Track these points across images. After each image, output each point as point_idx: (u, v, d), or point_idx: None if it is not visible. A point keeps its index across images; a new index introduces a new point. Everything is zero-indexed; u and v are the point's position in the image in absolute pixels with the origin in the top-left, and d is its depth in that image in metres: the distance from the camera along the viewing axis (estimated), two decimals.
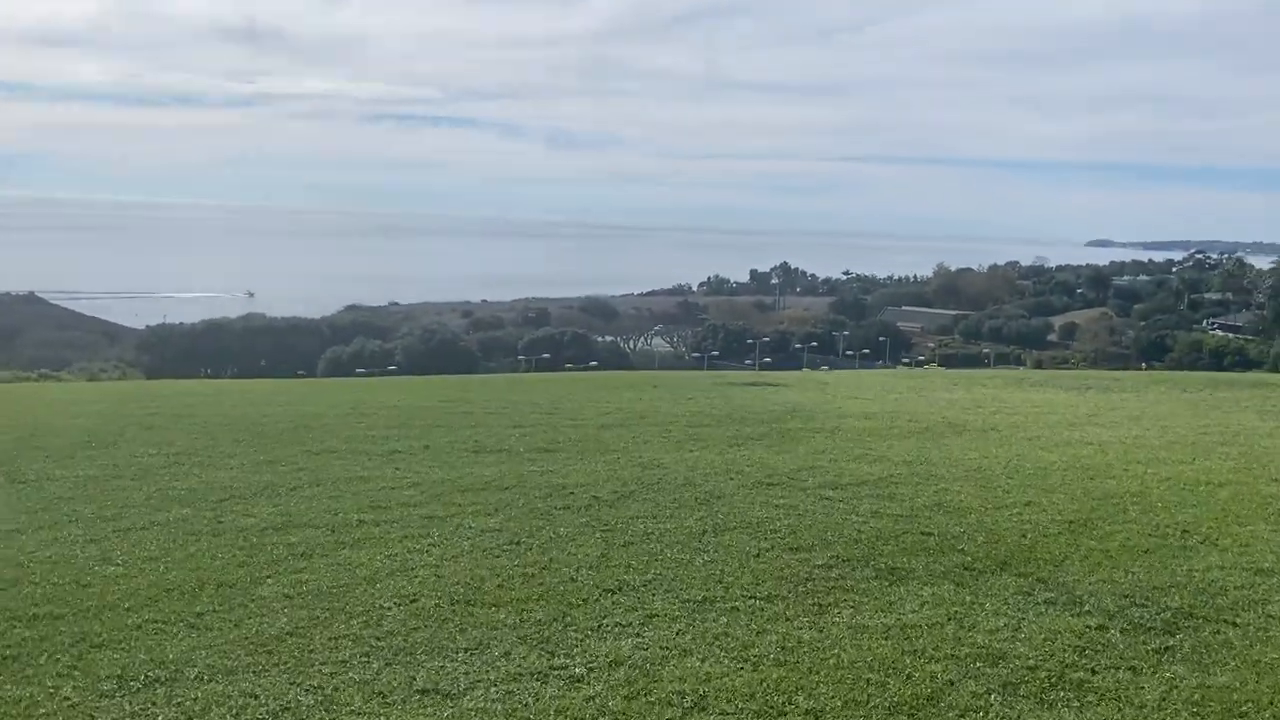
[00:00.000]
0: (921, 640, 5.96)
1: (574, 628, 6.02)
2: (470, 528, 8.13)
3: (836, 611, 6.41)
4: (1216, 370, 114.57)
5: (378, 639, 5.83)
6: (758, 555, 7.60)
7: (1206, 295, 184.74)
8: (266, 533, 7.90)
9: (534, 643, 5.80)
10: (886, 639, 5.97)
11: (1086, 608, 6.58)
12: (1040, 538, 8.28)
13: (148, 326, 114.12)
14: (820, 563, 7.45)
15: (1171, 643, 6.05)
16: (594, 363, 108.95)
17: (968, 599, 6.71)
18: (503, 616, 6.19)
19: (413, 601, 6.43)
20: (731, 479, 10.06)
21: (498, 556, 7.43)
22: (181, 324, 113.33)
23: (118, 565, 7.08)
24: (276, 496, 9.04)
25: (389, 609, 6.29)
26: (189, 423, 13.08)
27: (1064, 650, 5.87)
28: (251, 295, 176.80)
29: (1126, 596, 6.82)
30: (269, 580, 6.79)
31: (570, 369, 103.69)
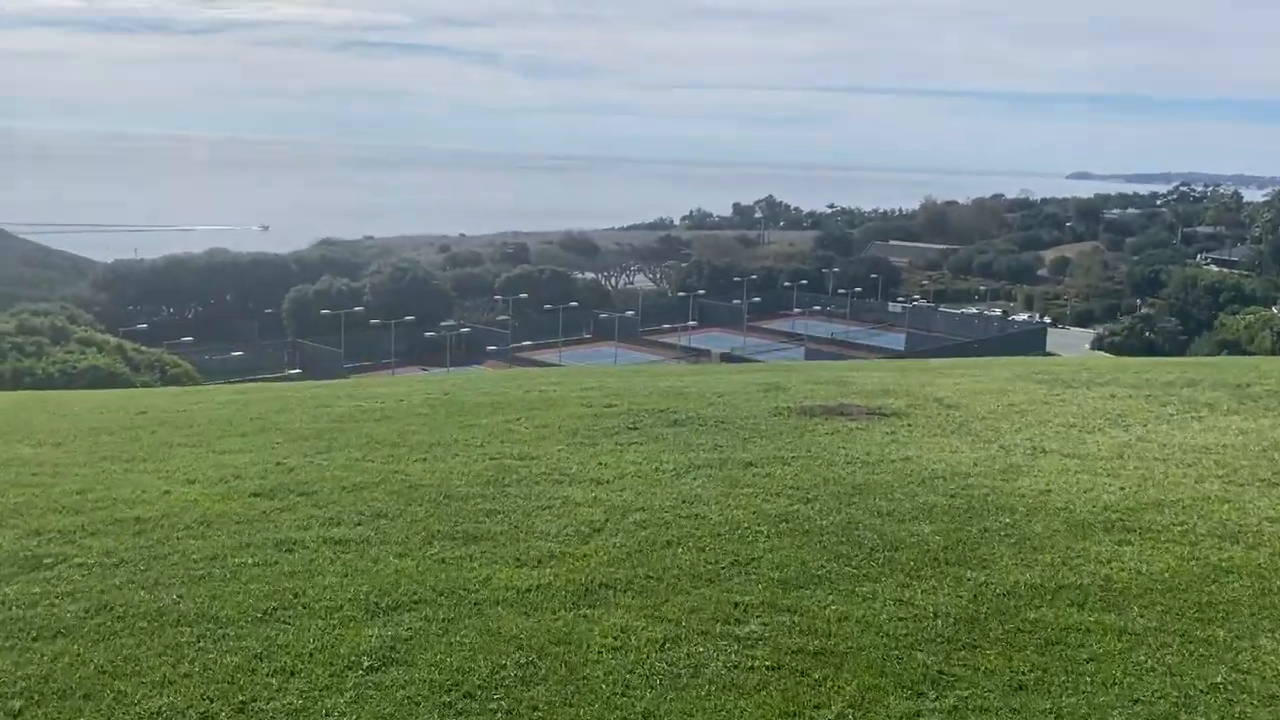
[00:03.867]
0: None
1: None
2: None
3: None
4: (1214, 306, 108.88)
5: None
6: None
7: (1199, 229, 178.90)
8: None
9: None
10: None
11: None
12: None
13: (115, 262, 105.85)
14: None
15: None
16: (574, 303, 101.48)
17: None
18: None
19: None
20: None
21: None
22: (142, 260, 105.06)
23: None
24: None
25: None
26: None
27: None
28: (266, 229, 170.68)
29: None
30: None
31: (549, 309, 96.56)
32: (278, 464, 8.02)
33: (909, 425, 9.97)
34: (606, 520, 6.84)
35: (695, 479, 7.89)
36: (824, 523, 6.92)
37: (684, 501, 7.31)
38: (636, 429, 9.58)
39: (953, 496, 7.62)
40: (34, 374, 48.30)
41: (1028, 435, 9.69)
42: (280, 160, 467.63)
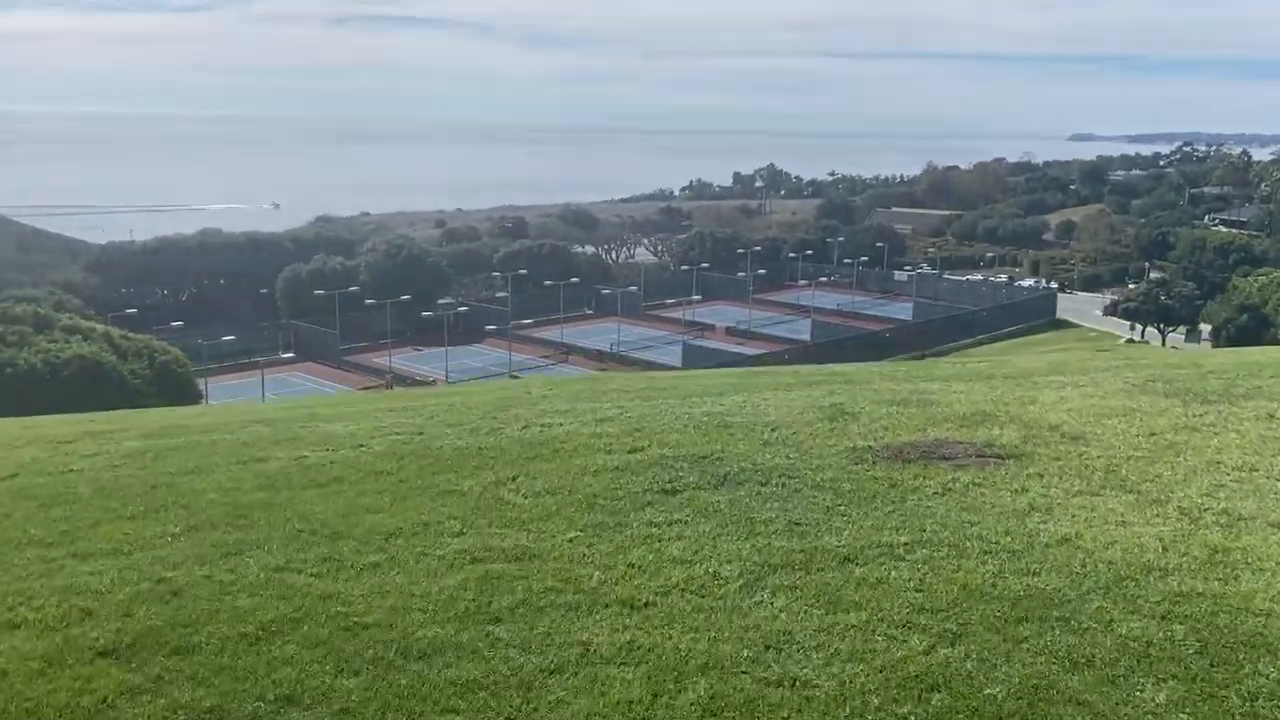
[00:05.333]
0: None
1: None
2: None
3: None
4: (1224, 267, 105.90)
5: None
6: None
7: (1206, 189, 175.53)
8: None
9: None
10: None
11: None
12: None
13: (108, 244, 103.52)
14: None
15: None
16: (575, 278, 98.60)
17: None
18: None
19: None
20: None
21: None
22: (134, 242, 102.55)
23: None
24: None
25: None
26: None
27: None
28: (278, 207, 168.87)
29: None
30: None
31: (549, 285, 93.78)
32: (158, 582, 5.42)
33: (1040, 475, 7.37)
34: (654, 699, 4.27)
35: (774, 594, 5.30)
36: (995, 690, 4.35)
37: (768, 647, 4.72)
38: (675, 493, 6.98)
39: (1164, 619, 5.05)
40: (16, 365, 45.54)
41: (1203, 488, 7.10)
42: (278, 137, 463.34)
